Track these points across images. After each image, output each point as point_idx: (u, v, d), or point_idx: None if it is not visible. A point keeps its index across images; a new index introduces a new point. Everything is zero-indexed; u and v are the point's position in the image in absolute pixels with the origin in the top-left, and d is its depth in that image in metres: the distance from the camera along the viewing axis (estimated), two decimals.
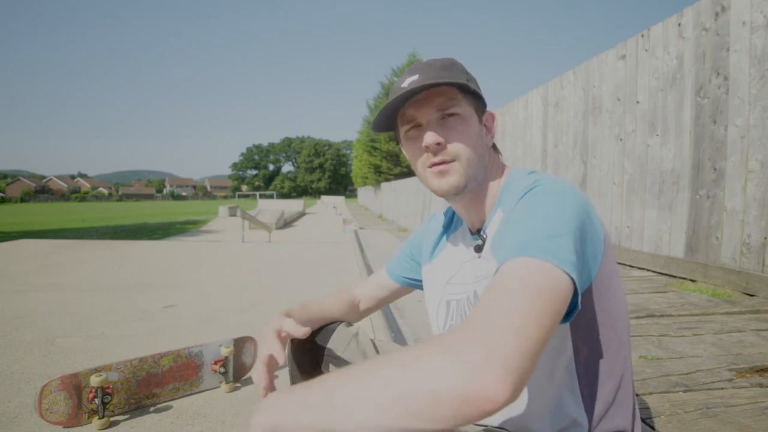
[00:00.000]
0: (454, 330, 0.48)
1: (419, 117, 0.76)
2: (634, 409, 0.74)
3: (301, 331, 0.82)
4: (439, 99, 0.75)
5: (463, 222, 0.87)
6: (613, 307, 0.71)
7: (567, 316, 0.58)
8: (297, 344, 0.94)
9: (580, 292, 0.56)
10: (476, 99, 0.79)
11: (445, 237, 0.92)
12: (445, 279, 0.87)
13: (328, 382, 0.50)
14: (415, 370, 0.44)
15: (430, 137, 0.74)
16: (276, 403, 0.51)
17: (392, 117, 0.80)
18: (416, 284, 1.02)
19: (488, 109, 0.83)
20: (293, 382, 0.98)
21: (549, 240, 0.56)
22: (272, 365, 0.80)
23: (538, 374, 0.69)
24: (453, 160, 0.75)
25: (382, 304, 1.08)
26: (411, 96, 0.74)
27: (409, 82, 0.75)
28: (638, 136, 3.59)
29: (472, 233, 0.84)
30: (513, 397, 0.43)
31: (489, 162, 0.81)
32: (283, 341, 0.82)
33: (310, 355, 0.95)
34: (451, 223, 0.92)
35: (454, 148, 0.75)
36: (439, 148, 0.75)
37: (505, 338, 0.45)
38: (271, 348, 0.80)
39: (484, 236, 0.79)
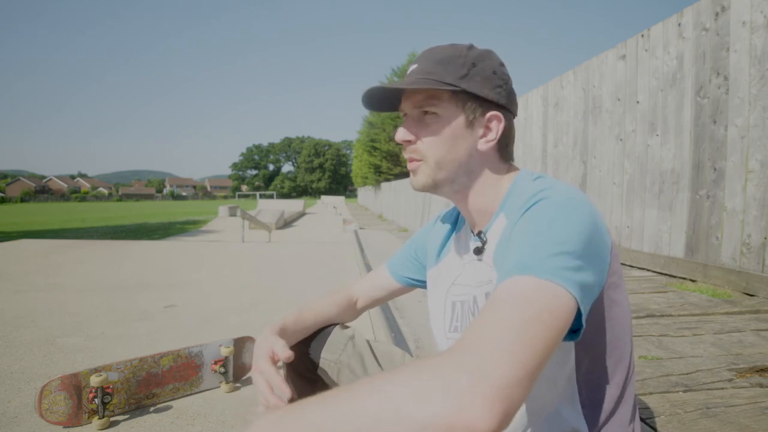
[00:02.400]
0: (444, 353, 0.46)
1: (404, 108, 0.77)
2: (634, 413, 0.74)
3: (287, 354, 0.80)
4: (418, 96, 0.74)
5: (466, 221, 0.85)
6: (617, 316, 0.69)
7: (574, 334, 0.56)
8: (293, 348, 0.94)
9: (584, 310, 0.54)
10: (471, 98, 0.73)
11: (450, 239, 0.90)
12: (450, 281, 0.85)
13: (314, 406, 0.47)
14: (399, 394, 0.42)
15: (398, 133, 0.76)
16: None
17: (397, 102, 0.80)
18: (418, 284, 1.00)
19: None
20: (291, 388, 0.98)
21: (552, 257, 0.54)
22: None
23: (539, 385, 0.67)
24: (420, 160, 0.75)
25: (381, 302, 1.07)
26: (390, 90, 0.75)
27: (410, 70, 0.76)
28: (638, 136, 3.59)
29: (473, 234, 0.82)
30: (500, 427, 0.40)
31: (481, 165, 0.76)
32: (276, 365, 0.81)
33: (306, 359, 0.94)
34: (455, 224, 0.90)
35: (422, 147, 0.74)
36: (408, 144, 0.76)
37: (494, 364, 0.42)
38: (270, 378, 0.77)
39: (485, 239, 0.77)
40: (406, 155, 0.77)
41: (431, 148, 0.74)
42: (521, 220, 0.64)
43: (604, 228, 0.66)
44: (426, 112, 0.74)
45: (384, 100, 0.79)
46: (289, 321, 0.91)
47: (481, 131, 0.75)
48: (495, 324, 0.47)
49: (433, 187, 0.76)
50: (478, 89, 0.73)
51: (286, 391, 0.75)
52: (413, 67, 0.75)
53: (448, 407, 0.40)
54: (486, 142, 0.75)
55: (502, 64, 0.77)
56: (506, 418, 0.41)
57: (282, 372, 0.86)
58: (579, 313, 0.54)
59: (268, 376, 0.77)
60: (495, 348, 0.44)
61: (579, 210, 0.62)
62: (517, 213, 0.67)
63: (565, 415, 0.69)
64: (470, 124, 0.74)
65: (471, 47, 0.76)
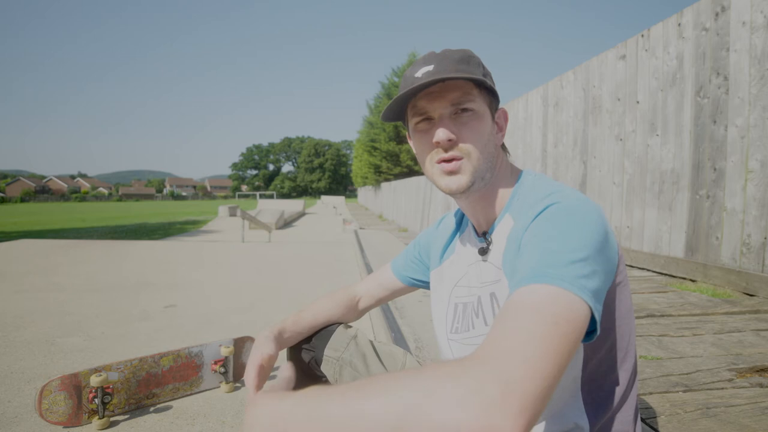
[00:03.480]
0: (467, 359, 0.45)
1: (431, 110, 0.74)
2: (637, 411, 0.74)
3: (269, 356, 0.82)
4: (455, 93, 0.72)
5: (470, 223, 0.85)
6: (622, 316, 0.70)
7: (588, 336, 0.56)
8: (297, 346, 0.95)
9: (598, 315, 0.54)
10: (491, 95, 0.77)
11: (453, 241, 0.90)
12: (453, 282, 0.85)
13: (332, 399, 0.45)
14: (427, 397, 0.41)
15: (442, 133, 0.71)
16: (275, 419, 0.48)
17: (402, 107, 0.77)
18: (422, 285, 1.01)
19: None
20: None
21: (567, 266, 0.54)
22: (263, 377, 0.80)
23: None
24: (462, 158, 0.73)
25: (384, 302, 1.08)
26: (425, 87, 0.71)
27: (423, 72, 0.72)
28: (638, 136, 3.59)
29: (477, 235, 0.82)
30: None
31: (497, 162, 0.78)
32: (265, 373, 0.81)
33: (310, 357, 0.95)
34: (459, 226, 0.90)
35: (466, 145, 0.73)
36: (450, 144, 0.72)
37: (522, 373, 0.43)
38: (250, 393, 0.78)
39: (490, 240, 0.78)
40: (444, 156, 0.73)
41: (474, 145, 0.73)
42: (533, 225, 0.64)
43: (610, 230, 0.66)
44: (463, 110, 0.72)
45: (401, 106, 0.76)
46: (288, 323, 0.92)
47: (495, 127, 0.79)
48: (518, 333, 0.47)
49: (470, 186, 0.74)
50: (493, 87, 0.77)
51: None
52: (428, 68, 0.72)
53: (476, 415, 0.39)
54: (501, 137, 0.80)
55: None
56: (529, 428, 0.41)
57: (288, 371, 0.86)
58: (593, 318, 0.54)
59: (249, 390, 0.78)
60: (521, 359, 0.44)
61: (590, 215, 0.62)
62: (525, 216, 0.67)
63: (567, 412, 0.69)
64: (492, 120, 0.77)
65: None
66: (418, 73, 0.73)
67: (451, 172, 0.73)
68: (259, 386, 0.78)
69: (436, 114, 0.74)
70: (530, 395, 0.42)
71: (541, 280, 0.53)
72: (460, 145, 0.73)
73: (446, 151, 0.73)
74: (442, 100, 0.72)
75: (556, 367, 0.45)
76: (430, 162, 0.76)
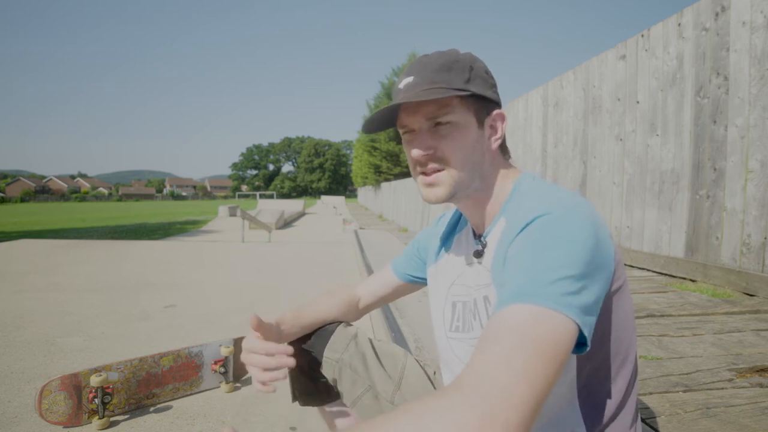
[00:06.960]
0: (450, 390, 0.46)
1: (410, 124, 0.74)
2: (636, 416, 0.73)
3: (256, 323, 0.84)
4: (429, 107, 0.71)
5: (468, 222, 0.85)
6: (620, 324, 0.69)
7: (579, 348, 0.56)
8: (296, 347, 0.94)
9: (588, 331, 0.54)
10: (478, 100, 0.74)
11: (450, 239, 0.90)
12: (450, 281, 0.85)
13: None
14: None
15: (416, 151, 0.72)
16: None
17: (392, 118, 0.77)
18: (421, 281, 1.01)
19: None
20: (294, 385, 0.98)
21: (552, 284, 0.53)
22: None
23: None
24: (443, 169, 0.73)
25: (384, 302, 1.07)
26: (398, 107, 0.72)
27: (405, 83, 0.72)
28: (638, 136, 3.59)
29: (475, 235, 0.82)
30: None
31: (492, 165, 0.77)
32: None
33: (309, 357, 0.95)
34: (456, 225, 0.90)
35: (444, 157, 0.72)
36: (427, 158, 0.73)
37: (503, 405, 0.43)
38: (260, 347, 0.81)
39: (485, 243, 0.77)
40: (425, 168, 0.74)
41: (453, 157, 0.72)
42: (519, 238, 0.62)
43: (607, 235, 0.64)
44: (440, 123, 0.72)
45: (383, 120, 0.77)
46: (287, 317, 0.92)
47: (488, 132, 0.76)
48: (499, 360, 0.47)
49: (453, 196, 0.74)
50: (482, 90, 0.74)
51: (287, 348, 0.79)
52: (408, 79, 0.72)
53: None
54: (495, 141, 0.77)
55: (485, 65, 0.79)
56: None
57: (285, 372, 0.85)
58: (583, 333, 0.54)
59: (257, 347, 0.80)
60: (502, 390, 0.44)
61: (580, 225, 0.60)
62: (516, 222, 0.65)
63: (564, 419, 0.69)
64: (480, 126, 0.75)
65: (460, 51, 0.76)
66: (401, 84, 0.73)
67: (430, 185, 0.74)
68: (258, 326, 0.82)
69: (415, 127, 0.74)
70: (512, 425, 0.43)
71: (525, 300, 0.52)
72: (438, 157, 0.72)
73: (424, 165, 0.74)
74: (417, 115, 0.72)
75: (538, 392, 0.46)
76: (415, 173, 0.77)
